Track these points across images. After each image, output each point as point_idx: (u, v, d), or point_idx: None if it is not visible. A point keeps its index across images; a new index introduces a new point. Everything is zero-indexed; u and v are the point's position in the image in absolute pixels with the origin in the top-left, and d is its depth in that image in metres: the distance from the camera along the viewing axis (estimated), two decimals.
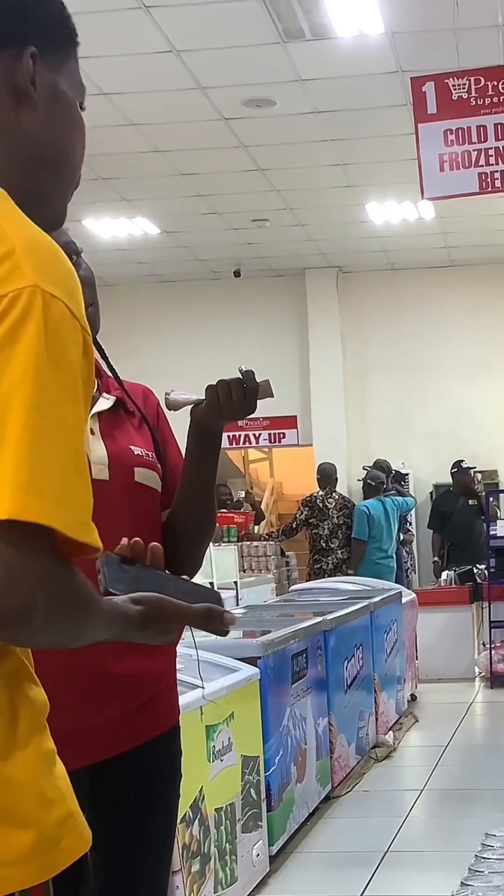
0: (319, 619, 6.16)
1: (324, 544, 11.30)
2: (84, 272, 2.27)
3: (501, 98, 7.62)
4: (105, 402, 2.31)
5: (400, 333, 14.71)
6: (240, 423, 13.68)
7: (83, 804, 2.22)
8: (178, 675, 2.45)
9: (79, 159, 1.60)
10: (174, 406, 2.32)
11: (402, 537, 12.19)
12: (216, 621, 1.64)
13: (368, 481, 11.59)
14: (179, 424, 2.40)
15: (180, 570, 2.22)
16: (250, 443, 15.18)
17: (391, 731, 7.63)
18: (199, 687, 3.65)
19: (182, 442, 2.37)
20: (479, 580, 10.78)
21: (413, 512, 13.21)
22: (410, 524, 13.75)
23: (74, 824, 1.42)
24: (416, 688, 9.36)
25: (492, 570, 10.32)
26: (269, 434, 14.83)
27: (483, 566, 10.66)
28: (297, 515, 11.57)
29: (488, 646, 10.09)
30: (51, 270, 1.35)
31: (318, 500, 11.44)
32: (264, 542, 11.65)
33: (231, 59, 8.21)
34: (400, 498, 11.91)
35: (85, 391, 1.37)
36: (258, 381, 2.27)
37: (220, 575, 9.40)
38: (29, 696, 1.41)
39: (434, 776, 6.69)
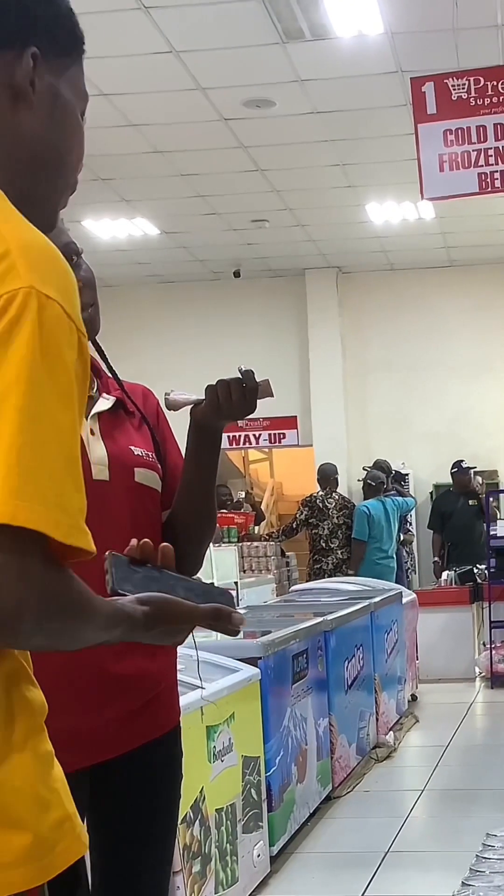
0: (320, 619, 6.16)
1: (323, 544, 11.31)
2: (84, 273, 2.27)
3: (501, 98, 7.62)
4: (105, 403, 2.31)
5: (400, 334, 14.71)
6: (240, 423, 13.69)
7: (84, 805, 2.23)
8: (179, 676, 2.45)
9: (75, 163, 1.59)
10: (174, 406, 2.32)
11: (402, 537, 12.19)
12: (224, 621, 1.64)
13: (368, 481, 11.59)
14: (179, 425, 2.40)
15: (180, 570, 2.21)
16: (250, 443, 15.19)
17: (392, 732, 7.63)
18: (199, 687, 3.65)
19: (182, 442, 2.37)
20: (479, 580, 10.78)
21: (413, 512, 13.21)
22: (410, 524, 13.75)
23: (71, 827, 1.41)
24: (417, 688, 9.36)
25: (492, 570, 10.32)
26: (270, 434, 14.83)
27: (483, 566, 10.66)
28: (297, 515, 11.58)
29: (488, 646, 10.09)
30: (47, 271, 1.35)
31: (317, 501, 11.44)
32: (264, 543, 11.65)
33: (231, 59, 8.21)
34: (400, 498, 11.91)
35: (80, 393, 1.36)
36: (258, 380, 2.27)
37: (221, 575, 9.39)
38: (27, 698, 1.40)
39: (435, 776, 6.69)
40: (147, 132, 9.52)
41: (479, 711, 9.06)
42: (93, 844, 2.30)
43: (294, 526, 11.65)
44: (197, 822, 3.87)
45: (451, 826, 5.66)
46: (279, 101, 9.01)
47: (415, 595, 9.91)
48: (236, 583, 9.84)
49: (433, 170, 7.74)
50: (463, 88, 7.65)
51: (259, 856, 4.61)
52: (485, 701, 9.40)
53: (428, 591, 10.97)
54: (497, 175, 7.68)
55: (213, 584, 1.97)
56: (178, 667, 2.43)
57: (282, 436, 14.83)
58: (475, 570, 10.93)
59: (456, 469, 12.30)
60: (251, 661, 4.73)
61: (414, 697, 9.13)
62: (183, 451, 2.37)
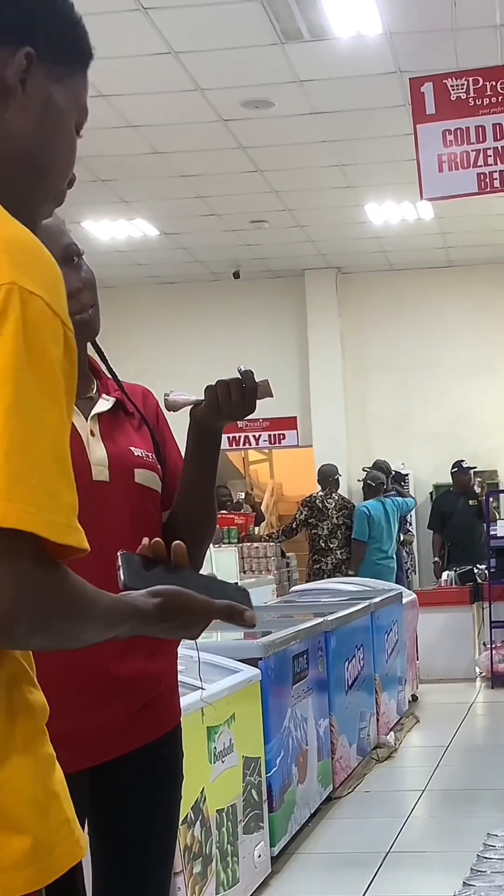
0: (320, 619, 6.16)
1: (323, 544, 11.31)
2: (85, 273, 2.27)
3: (500, 98, 7.62)
4: (105, 404, 2.31)
5: (399, 334, 14.71)
6: (239, 424, 13.69)
7: (85, 806, 2.23)
8: (179, 677, 2.45)
9: (61, 172, 1.56)
10: (173, 407, 2.32)
11: (402, 538, 12.19)
12: (237, 618, 1.64)
13: (368, 482, 11.60)
14: (179, 425, 2.40)
15: None
16: (250, 444, 15.19)
17: (392, 732, 7.63)
18: (199, 688, 3.65)
19: (182, 443, 2.37)
20: (479, 580, 10.78)
21: (413, 512, 13.21)
22: (410, 524, 13.75)
23: (70, 831, 1.41)
24: (417, 688, 9.36)
25: (492, 570, 10.31)
26: (269, 435, 14.83)
27: (483, 566, 10.66)
28: (297, 516, 11.59)
29: (489, 646, 10.09)
30: (30, 267, 1.33)
31: (317, 501, 11.45)
32: (264, 544, 11.66)
33: (229, 60, 8.21)
34: (400, 498, 11.91)
35: (68, 389, 1.35)
36: (257, 381, 2.27)
37: (221, 576, 9.39)
38: (28, 701, 1.40)
39: (435, 776, 6.69)
40: (146, 133, 9.52)
41: (480, 711, 9.06)
42: (94, 846, 2.31)
43: (294, 526, 11.66)
44: (198, 822, 3.87)
45: (452, 826, 5.66)
46: (278, 102, 9.01)
47: (415, 595, 9.92)
48: (236, 583, 9.83)
49: (432, 170, 7.74)
50: (462, 89, 7.64)
51: (260, 856, 4.61)
52: (485, 701, 9.40)
53: (428, 592, 10.97)
54: (496, 175, 7.68)
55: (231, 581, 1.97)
56: (179, 668, 2.44)
57: (282, 436, 14.83)
58: (475, 571, 10.93)
59: (456, 469, 12.31)
60: (251, 662, 4.73)
61: (414, 698, 9.13)
62: (183, 452, 2.38)
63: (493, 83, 7.64)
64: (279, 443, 14.97)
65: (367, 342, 14.82)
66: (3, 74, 1.48)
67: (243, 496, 14.27)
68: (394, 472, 12.63)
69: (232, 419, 2.30)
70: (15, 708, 1.37)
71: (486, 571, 10.47)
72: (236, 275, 14.38)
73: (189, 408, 2.30)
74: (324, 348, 14.65)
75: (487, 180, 7.71)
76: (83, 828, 2.22)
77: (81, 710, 2.15)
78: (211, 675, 4.21)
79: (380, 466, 11.97)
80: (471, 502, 11.97)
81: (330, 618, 6.29)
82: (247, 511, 13.28)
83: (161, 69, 8.24)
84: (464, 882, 4.38)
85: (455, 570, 11.11)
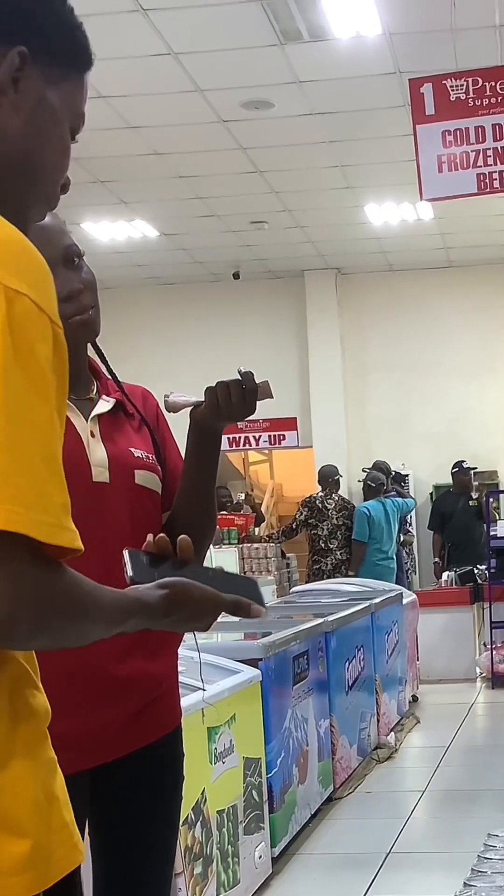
0: (320, 620, 6.16)
1: (323, 545, 11.32)
2: (86, 275, 2.27)
3: (499, 98, 7.63)
4: (105, 405, 2.31)
5: (399, 334, 14.72)
6: (240, 424, 13.70)
7: (85, 807, 2.23)
8: (180, 678, 2.45)
9: (52, 174, 1.54)
10: (174, 408, 2.32)
11: (402, 538, 12.20)
12: (244, 612, 1.65)
13: (369, 483, 11.60)
14: (179, 427, 2.40)
15: None
16: (250, 445, 15.19)
17: (393, 733, 7.63)
18: (200, 689, 3.65)
19: (182, 444, 2.37)
20: (479, 581, 10.78)
21: (413, 513, 13.22)
22: (410, 525, 13.75)
23: (69, 836, 1.40)
24: (418, 689, 9.36)
25: (492, 570, 10.31)
26: (269, 436, 14.83)
27: (483, 567, 10.66)
28: (297, 516, 11.60)
29: (489, 646, 10.09)
30: (16, 265, 1.32)
31: (317, 501, 11.45)
32: (265, 544, 11.66)
33: (229, 61, 8.21)
34: (400, 499, 11.92)
35: (59, 387, 1.34)
36: (257, 382, 2.27)
37: None
38: (30, 705, 1.39)
39: (436, 777, 6.69)
40: (146, 134, 9.52)
41: (480, 712, 9.06)
42: (95, 846, 2.31)
43: (294, 526, 11.66)
44: (198, 823, 3.87)
45: (453, 826, 5.66)
46: (277, 103, 9.01)
47: (415, 596, 9.92)
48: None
49: (432, 171, 7.74)
50: (461, 89, 7.65)
51: (261, 857, 4.61)
52: (486, 701, 9.40)
53: (428, 592, 10.97)
54: (496, 175, 7.68)
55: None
56: (179, 668, 2.44)
57: (282, 437, 14.84)
58: (475, 571, 10.93)
59: (457, 469, 12.32)
60: (252, 663, 4.73)
61: (415, 698, 9.13)
62: (183, 453, 2.38)
63: (493, 83, 7.64)
64: (279, 443, 14.98)
65: (367, 343, 14.83)
66: None
67: (243, 497, 14.27)
68: (394, 473, 12.64)
69: (232, 420, 2.30)
70: (17, 711, 1.37)
71: (487, 572, 10.47)
72: (236, 275, 14.38)
73: (189, 409, 2.30)
74: (324, 349, 14.65)
75: (487, 181, 7.71)
76: (84, 828, 2.23)
77: (82, 711, 2.15)
78: (211, 676, 4.21)
79: (379, 467, 11.97)
80: (471, 503, 11.97)
81: (330, 618, 6.29)
82: (247, 512, 13.28)
83: (161, 70, 8.24)
84: (464, 882, 4.38)
85: (455, 571, 11.11)
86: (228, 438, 14.37)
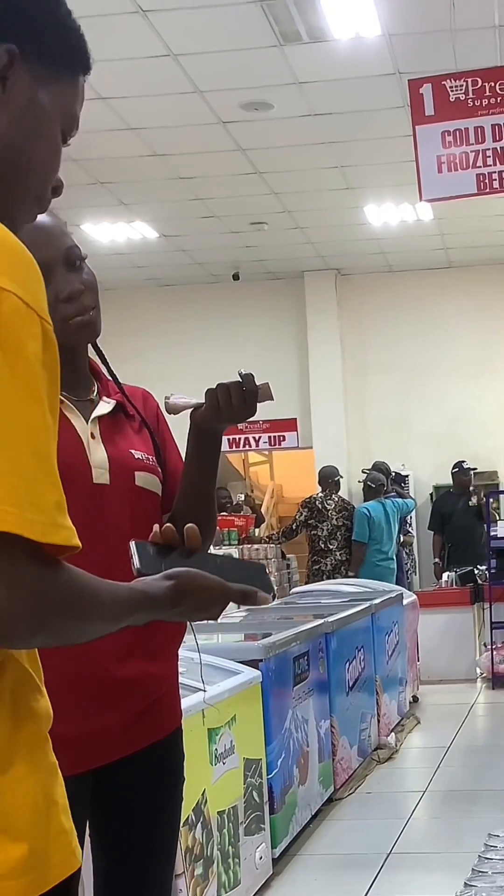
0: (321, 621, 6.16)
1: (322, 545, 11.32)
2: (86, 276, 2.27)
3: (499, 99, 7.63)
4: (105, 406, 2.31)
5: (399, 335, 14.72)
6: (240, 426, 13.70)
7: (86, 808, 2.24)
8: (180, 679, 2.45)
9: (41, 176, 1.52)
10: (174, 410, 2.32)
11: (402, 539, 12.20)
12: (252, 601, 1.65)
13: (369, 483, 11.60)
14: (180, 428, 2.41)
15: None
16: (250, 446, 15.19)
17: (393, 733, 7.63)
18: (200, 690, 3.65)
19: (182, 445, 2.37)
20: (479, 581, 10.78)
21: (413, 513, 13.22)
22: (410, 525, 13.75)
23: (67, 841, 1.40)
24: (418, 689, 9.36)
25: (492, 570, 10.32)
26: (269, 437, 14.83)
27: (484, 567, 10.66)
28: (297, 517, 11.61)
29: (489, 647, 10.09)
30: (2, 263, 1.30)
31: (317, 502, 11.46)
32: (265, 545, 11.66)
33: (228, 62, 8.22)
34: (400, 500, 11.92)
35: (51, 385, 1.33)
36: (258, 384, 2.27)
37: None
38: (31, 708, 1.39)
39: (436, 777, 6.69)
40: (145, 135, 9.53)
41: (481, 712, 9.06)
42: (95, 847, 2.31)
43: (293, 527, 11.67)
44: (199, 824, 3.87)
45: (454, 827, 5.66)
46: (277, 104, 9.02)
47: (415, 596, 9.92)
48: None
49: (431, 171, 7.74)
50: (461, 90, 7.65)
51: (261, 858, 4.61)
52: (486, 702, 9.40)
53: (429, 593, 10.97)
54: (495, 176, 7.68)
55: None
56: (180, 669, 2.44)
57: (282, 438, 14.84)
58: (476, 571, 10.93)
59: (457, 470, 12.32)
60: (252, 664, 4.73)
61: (415, 699, 9.13)
62: (183, 455, 2.38)
63: (492, 84, 7.65)
64: (279, 444, 14.98)
65: (367, 343, 14.83)
66: None
67: (243, 498, 14.27)
68: (394, 474, 12.64)
69: (232, 422, 2.30)
70: (19, 715, 1.36)
71: (487, 572, 10.47)
72: (236, 277, 14.38)
73: (189, 410, 2.30)
74: (323, 350, 14.65)
75: (486, 181, 7.71)
76: (84, 829, 2.23)
77: (83, 712, 2.15)
78: (212, 677, 4.21)
79: (379, 468, 11.97)
80: (471, 503, 11.97)
81: (330, 619, 6.29)
82: (247, 513, 13.29)
83: (160, 71, 8.24)
84: (465, 883, 4.39)
85: (455, 571, 11.12)
86: (228, 439, 14.37)
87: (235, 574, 1.64)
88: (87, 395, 2.31)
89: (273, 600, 1.74)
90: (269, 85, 8.66)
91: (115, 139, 9.44)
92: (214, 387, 2.27)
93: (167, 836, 2.38)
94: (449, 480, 12.72)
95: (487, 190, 7.75)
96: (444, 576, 11.27)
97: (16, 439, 1.26)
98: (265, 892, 4.68)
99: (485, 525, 10.79)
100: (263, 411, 2.36)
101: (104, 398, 2.33)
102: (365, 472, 11.99)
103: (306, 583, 11.03)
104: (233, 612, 7.48)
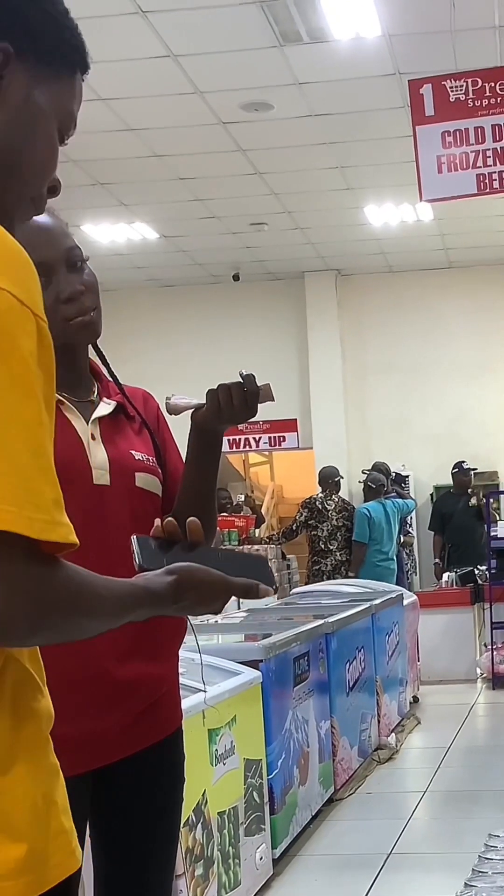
0: (321, 621, 6.16)
1: (322, 546, 11.32)
2: (87, 276, 2.27)
3: (499, 99, 7.63)
4: (105, 407, 2.31)
5: (399, 335, 14.72)
6: (240, 426, 13.68)
7: (86, 809, 2.24)
8: (181, 679, 2.45)
9: (37, 175, 1.52)
10: (175, 410, 2.32)
11: (402, 539, 12.20)
12: (254, 594, 1.65)
13: (369, 484, 11.61)
14: (180, 429, 2.41)
15: None
16: (250, 446, 15.19)
17: (393, 734, 7.63)
18: (201, 691, 3.66)
19: (183, 446, 2.37)
20: (480, 581, 10.78)
21: (414, 514, 13.22)
22: (411, 526, 13.76)
23: (67, 842, 1.40)
24: (418, 690, 9.36)
25: (493, 571, 10.32)
26: (270, 437, 14.84)
27: (484, 567, 10.66)
28: (297, 517, 11.61)
29: (490, 647, 10.09)
30: None
31: (317, 502, 11.46)
32: (265, 546, 11.66)
33: (228, 63, 8.22)
34: (400, 500, 11.92)
35: (45, 382, 1.32)
36: (259, 384, 2.27)
37: None
38: (32, 708, 1.39)
39: (437, 778, 6.69)
40: (145, 136, 9.53)
41: (481, 713, 9.06)
42: (96, 848, 2.31)
43: (294, 528, 11.68)
44: (199, 825, 3.87)
45: (454, 827, 5.66)
46: (277, 105, 9.02)
47: (416, 597, 9.92)
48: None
49: (431, 171, 7.74)
50: (461, 90, 7.65)
51: (261, 858, 4.61)
52: (486, 702, 9.40)
53: (429, 593, 10.97)
54: (495, 176, 7.69)
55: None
56: (180, 670, 2.44)
57: (282, 438, 14.84)
58: (476, 572, 10.93)
59: (457, 470, 12.32)
60: (252, 664, 4.73)
61: (415, 699, 9.13)
62: (183, 456, 2.38)
63: (492, 84, 7.65)
64: (279, 445, 14.98)
65: (367, 344, 14.83)
66: None
67: (243, 498, 14.27)
68: (394, 474, 12.64)
69: (233, 423, 2.30)
70: (19, 715, 1.36)
71: (487, 572, 10.47)
72: (236, 277, 14.39)
73: (190, 411, 2.30)
74: (324, 350, 14.65)
75: (487, 181, 7.71)
76: (84, 830, 2.23)
77: (83, 713, 2.15)
78: (212, 678, 4.21)
79: (379, 468, 11.97)
80: (471, 503, 11.97)
81: (331, 620, 6.29)
82: (247, 513, 13.28)
83: (160, 72, 8.24)
84: (465, 883, 4.39)
85: (456, 572, 11.12)
86: (229, 440, 14.37)
87: (237, 567, 1.65)
88: (88, 396, 2.31)
89: (275, 593, 1.74)
90: (270, 85, 8.67)
91: (115, 140, 9.44)
92: (215, 387, 2.27)
93: (167, 837, 2.38)
94: (449, 481, 12.72)
95: (487, 190, 7.75)
96: (445, 576, 11.28)
97: (12, 437, 1.25)
98: (265, 893, 4.68)
99: (485, 525, 10.79)
100: (264, 412, 2.36)
101: (105, 399, 2.33)
102: (365, 473, 12.00)
103: (306, 583, 11.03)
104: (233, 613, 7.48)
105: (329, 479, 11.66)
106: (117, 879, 2.33)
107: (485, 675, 10.12)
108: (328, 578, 10.90)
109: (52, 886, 1.36)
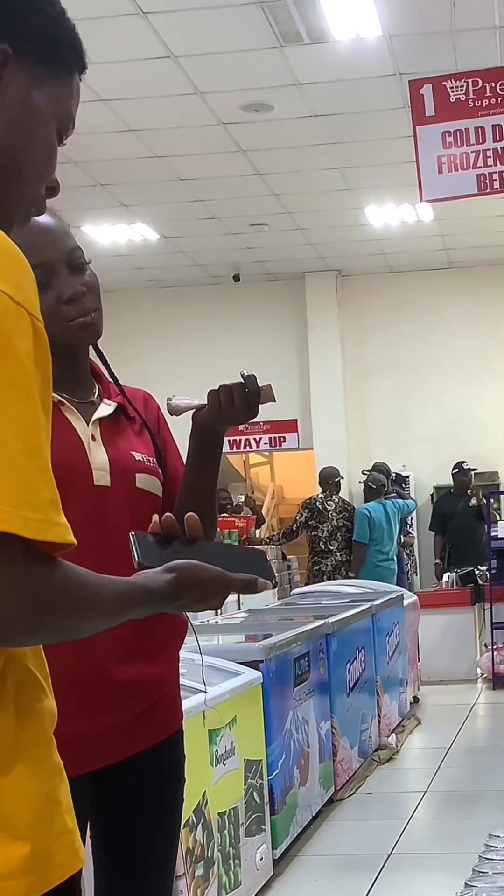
0: (321, 622, 6.16)
1: (323, 546, 11.33)
2: (89, 277, 2.27)
3: (499, 99, 7.63)
4: (106, 409, 2.31)
5: (399, 336, 14.72)
6: (240, 427, 13.69)
7: (87, 809, 2.24)
8: (181, 680, 2.45)
9: (35, 176, 1.52)
10: (176, 411, 2.32)
11: (402, 539, 12.21)
12: (253, 589, 1.66)
13: (370, 484, 11.61)
14: (181, 429, 2.41)
15: None
16: (251, 447, 15.19)
17: (394, 734, 7.63)
18: (201, 691, 3.66)
19: (183, 447, 2.37)
20: (480, 582, 10.78)
21: (414, 514, 13.22)
22: (411, 526, 13.76)
23: (70, 842, 1.40)
24: (419, 690, 9.36)
25: (493, 571, 10.32)
26: (270, 438, 14.84)
27: (484, 567, 10.66)
28: (297, 518, 11.61)
29: (490, 647, 10.09)
30: None
31: (317, 503, 11.46)
32: (265, 546, 11.66)
33: (229, 64, 8.22)
34: (401, 500, 11.92)
35: (42, 381, 1.32)
36: (260, 385, 2.27)
37: None
38: (36, 708, 1.39)
39: (437, 778, 6.69)
40: (146, 137, 9.53)
41: (481, 713, 9.06)
42: (96, 849, 2.31)
43: (294, 528, 11.67)
44: (199, 825, 3.87)
45: (454, 827, 5.66)
46: (277, 105, 9.02)
47: (416, 597, 9.92)
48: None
49: (432, 172, 7.74)
50: (461, 90, 7.65)
51: (262, 859, 4.61)
52: (487, 702, 9.40)
53: (429, 593, 10.97)
54: (496, 176, 7.68)
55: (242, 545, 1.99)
56: (181, 671, 2.44)
57: (282, 439, 14.84)
58: (476, 572, 10.93)
59: (457, 470, 12.32)
60: (253, 665, 4.74)
61: (416, 699, 9.13)
62: (184, 456, 2.38)
63: (493, 84, 7.65)
64: (280, 445, 14.98)
65: (367, 344, 14.84)
66: None
67: (244, 499, 14.27)
68: (394, 475, 12.64)
69: (234, 423, 2.30)
70: (22, 715, 1.36)
71: (487, 573, 10.47)
72: (236, 278, 14.39)
73: (191, 412, 2.30)
74: (324, 351, 14.66)
75: (487, 181, 7.71)
76: (85, 831, 2.23)
77: (84, 714, 2.15)
78: (212, 678, 4.21)
79: (379, 468, 11.98)
80: (471, 504, 11.97)
81: (331, 620, 6.29)
82: (247, 514, 13.29)
83: (160, 73, 8.25)
84: (465, 883, 4.39)
85: (456, 572, 11.12)
86: (229, 440, 14.37)
87: (236, 562, 1.65)
88: (88, 397, 2.31)
89: (274, 587, 1.74)
90: (270, 86, 8.67)
91: (115, 141, 9.44)
92: (216, 388, 2.27)
93: (168, 838, 2.38)
94: (449, 481, 12.72)
95: (488, 190, 7.75)
96: (445, 576, 11.28)
97: (8, 437, 1.25)
98: (266, 893, 4.68)
99: (485, 525, 10.79)
100: (264, 412, 2.36)
101: (105, 400, 2.33)
102: (365, 473, 12.00)
103: (307, 584, 11.03)
104: (234, 614, 7.49)
105: (329, 479, 11.66)
106: (118, 880, 2.34)
107: (485, 676, 10.12)
108: (328, 579, 10.90)
109: (54, 886, 1.36)
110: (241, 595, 9.41)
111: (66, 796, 1.42)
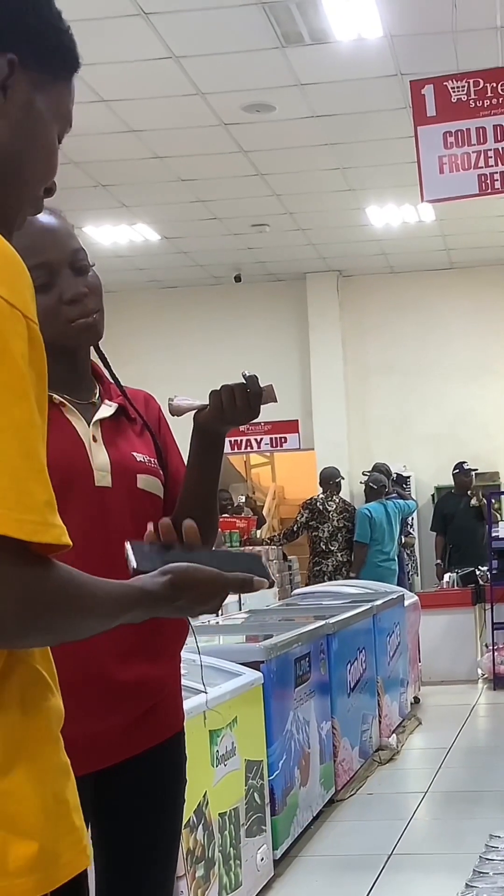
0: (322, 622, 6.16)
1: (323, 547, 11.32)
2: (91, 278, 2.27)
3: (500, 100, 7.63)
4: (107, 409, 2.31)
5: (400, 336, 14.73)
6: (241, 427, 13.68)
7: (88, 810, 2.23)
8: (182, 681, 2.45)
9: (38, 179, 1.53)
10: (178, 412, 2.32)
11: (403, 540, 12.21)
12: (249, 588, 1.67)
13: (370, 484, 11.61)
14: (182, 430, 2.41)
15: None
16: (252, 447, 15.19)
17: (394, 734, 7.63)
18: (202, 692, 3.66)
19: (184, 448, 2.37)
20: (481, 582, 10.78)
21: (415, 514, 13.22)
22: (412, 527, 13.76)
23: (77, 840, 1.41)
24: (420, 690, 9.36)
25: (494, 571, 10.32)
26: (271, 438, 14.84)
27: (485, 568, 10.66)
28: (298, 518, 11.61)
29: (491, 647, 10.09)
30: None
31: (318, 503, 11.46)
32: (266, 547, 11.66)
33: (230, 64, 8.22)
34: (401, 501, 11.92)
35: (37, 383, 1.33)
36: (261, 385, 2.27)
37: None
38: (43, 707, 1.40)
39: (437, 778, 6.69)
40: (147, 138, 9.53)
41: (482, 713, 9.06)
42: (97, 849, 2.31)
43: (294, 529, 11.67)
44: (200, 826, 3.87)
45: (455, 828, 5.66)
46: (279, 106, 9.02)
47: (417, 597, 9.92)
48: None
49: (433, 172, 7.75)
50: (462, 90, 7.65)
51: (262, 859, 4.61)
52: (487, 703, 9.40)
53: (430, 594, 10.97)
54: (497, 176, 7.69)
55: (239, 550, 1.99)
56: (182, 671, 2.44)
57: (283, 439, 14.84)
58: (477, 572, 10.93)
59: (458, 470, 12.32)
60: (254, 665, 4.74)
61: (416, 700, 9.13)
62: (185, 457, 2.38)
63: (494, 85, 7.65)
64: (281, 446, 14.98)
65: (368, 345, 14.84)
66: None
67: (244, 499, 14.27)
68: (395, 475, 12.64)
69: (236, 424, 2.29)
70: (29, 714, 1.37)
71: (488, 573, 10.47)
72: (237, 278, 14.39)
73: (193, 412, 2.30)
74: (325, 351, 14.66)
75: (488, 181, 7.72)
76: (86, 832, 2.23)
77: (85, 715, 2.14)
78: (213, 679, 4.21)
79: (380, 469, 11.98)
80: (472, 504, 11.97)
81: (332, 620, 6.29)
82: (248, 514, 13.29)
83: (162, 74, 8.25)
84: (466, 883, 4.39)
85: (457, 572, 11.12)
86: (230, 441, 14.35)
87: (231, 566, 1.65)
88: (89, 398, 2.31)
89: (271, 586, 1.74)
90: (271, 87, 8.67)
91: (116, 142, 9.44)
92: (218, 388, 2.27)
93: (168, 839, 2.38)
94: (450, 481, 12.72)
95: (489, 190, 7.75)
96: (446, 577, 11.28)
97: (3, 439, 1.26)
98: (266, 894, 4.69)
99: (486, 526, 10.79)
100: (265, 413, 2.35)
101: (106, 401, 2.33)
102: (366, 474, 11.99)
103: (307, 584, 11.04)
104: (234, 614, 7.49)
105: (330, 479, 11.66)
106: (118, 881, 2.34)
107: (486, 676, 10.13)
108: (329, 579, 10.90)
109: (62, 884, 1.37)
110: (241, 595, 9.43)
111: (73, 795, 1.42)
